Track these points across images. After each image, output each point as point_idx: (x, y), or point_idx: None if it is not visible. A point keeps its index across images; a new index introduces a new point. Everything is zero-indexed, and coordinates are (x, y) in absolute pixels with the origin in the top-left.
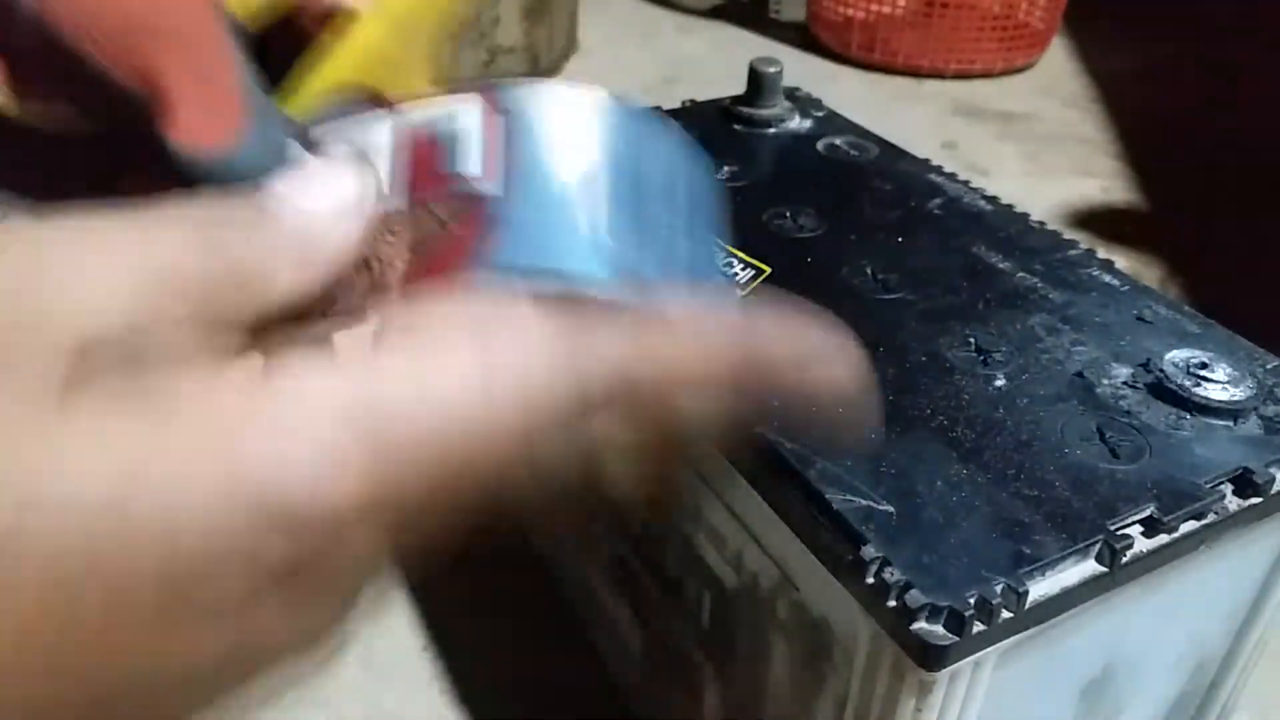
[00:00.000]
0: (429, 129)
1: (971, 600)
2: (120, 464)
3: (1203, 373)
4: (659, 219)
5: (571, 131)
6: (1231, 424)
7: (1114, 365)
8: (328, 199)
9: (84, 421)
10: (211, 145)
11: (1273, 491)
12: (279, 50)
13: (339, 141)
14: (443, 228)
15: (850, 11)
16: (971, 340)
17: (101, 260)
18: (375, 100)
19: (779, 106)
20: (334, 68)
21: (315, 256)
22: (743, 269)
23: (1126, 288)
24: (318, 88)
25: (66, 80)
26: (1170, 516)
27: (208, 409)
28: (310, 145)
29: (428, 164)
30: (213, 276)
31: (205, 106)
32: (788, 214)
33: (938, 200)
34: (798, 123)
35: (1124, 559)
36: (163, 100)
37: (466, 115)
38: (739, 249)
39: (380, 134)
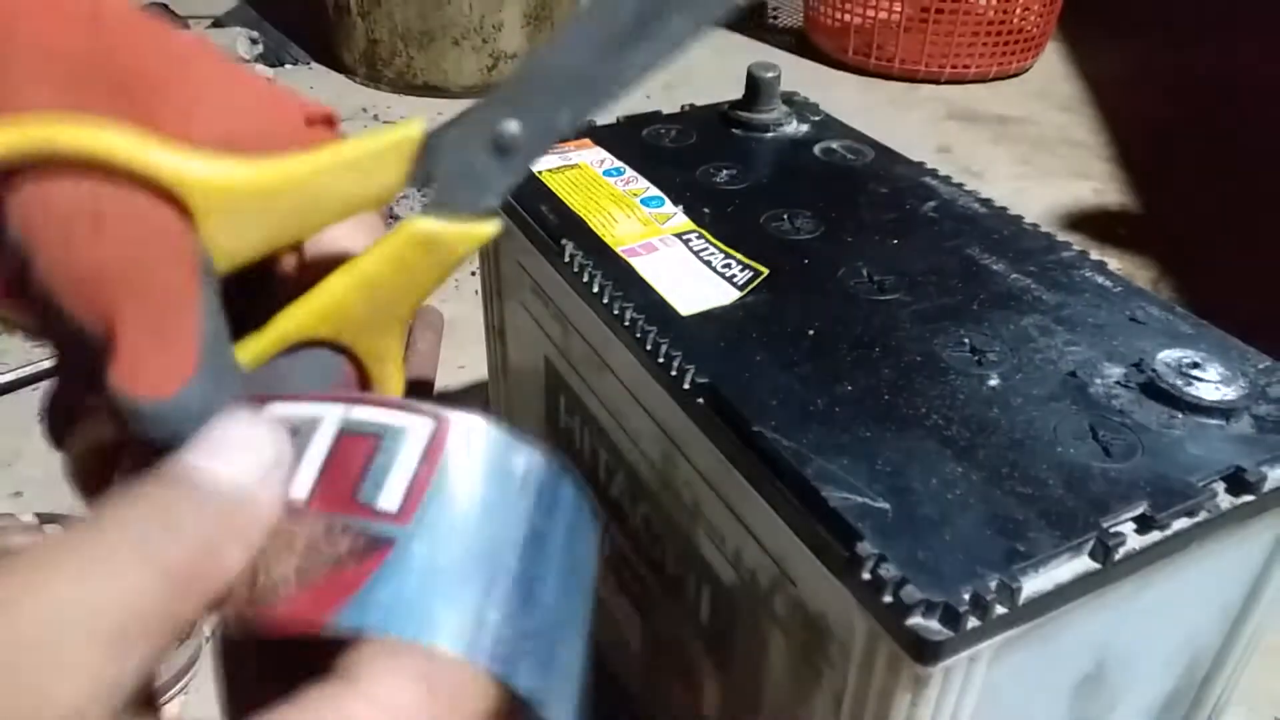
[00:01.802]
0: (370, 439)
1: (966, 596)
2: None
3: (1195, 372)
4: (550, 609)
5: (500, 493)
6: (1224, 423)
7: (1107, 365)
8: (249, 462)
9: None
10: (151, 394)
11: (1265, 490)
12: (260, 293)
13: (287, 414)
14: (337, 560)
15: (847, 17)
16: (966, 341)
17: (67, 634)
18: (341, 356)
19: (776, 111)
20: (295, 320)
21: (252, 528)
22: (741, 270)
23: (1119, 288)
24: (277, 338)
25: (36, 303)
26: (1163, 514)
27: None
28: (251, 402)
29: (348, 481)
30: (162, 597)
31: (153, 356)
32: (785, 216)
33: (933, 203)
34: (795, 127)
35: (1117, 556)
36: (114, 343)
37: (413, 434)
38: (738, 251)
39: (325, 426)
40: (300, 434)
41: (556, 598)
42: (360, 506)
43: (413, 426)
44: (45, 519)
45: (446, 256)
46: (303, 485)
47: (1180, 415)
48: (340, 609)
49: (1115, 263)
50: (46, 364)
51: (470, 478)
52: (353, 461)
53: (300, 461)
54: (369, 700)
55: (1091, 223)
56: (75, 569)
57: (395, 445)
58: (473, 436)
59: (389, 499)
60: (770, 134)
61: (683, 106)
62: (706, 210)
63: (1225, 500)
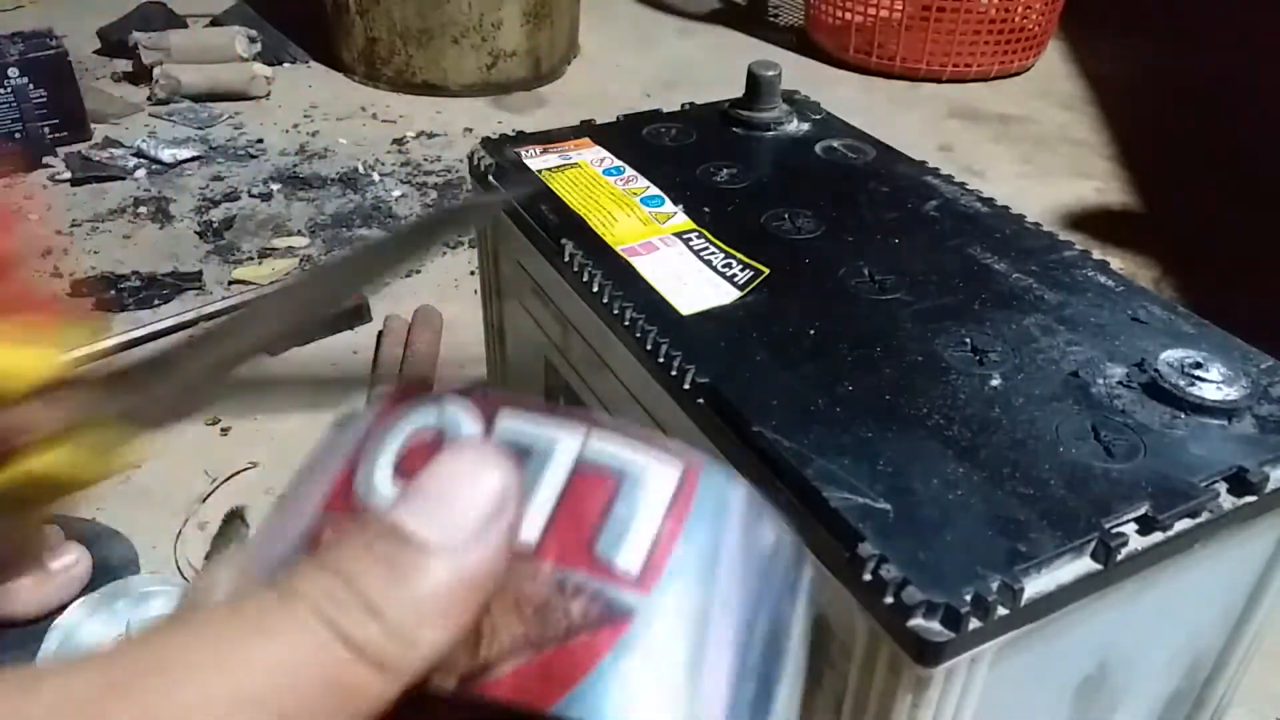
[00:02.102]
0: (610, 480)
1: (968, 597)
2: None
3: (1197, 372)
4: (779, 717)
5: (746, 570)
6: (1226, 423)
7: (1109, 365)
8: (471, 520)
9: None
10: None
11: (1267, 490)
12: None
13: (517, 431)
14: (569, 628)
15: (848, 15)
16: (968, 340)
17: (210, 695)
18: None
19: (777, 109)
20: None
21: (460, 607)
22: (742, 270)
23: (1121, 288)
24: None
25: None
26: (1165, 515)
27: None
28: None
29: (585, 529)
30: (343, 679)
31: None
32: (786, 216)
33: (934, 202)
34: (796, 125)
35: (1119, 557)
36: None
37: (658, 481)
38: (738, 250)
39: (561, 455)
40: (533, 460)
41: (786, 704)
42: (597, 563)
43: (658, 469)
44: None
45: (63, 490)
46: (533, 526)
47: (1182, 415)
48: (571, 692)
49: (1117, 262)
50: None
51: (719, 545)
52: (590, 505)
53: (533, 495)
54: None
55: (1093, 222)
56: (244, 631)
57: (636, 491)
58: (725, 492)
59: (629, 559)
60: (771, 133)
61: (683, 105)
62: (707, 209)
63: (1228, 501)
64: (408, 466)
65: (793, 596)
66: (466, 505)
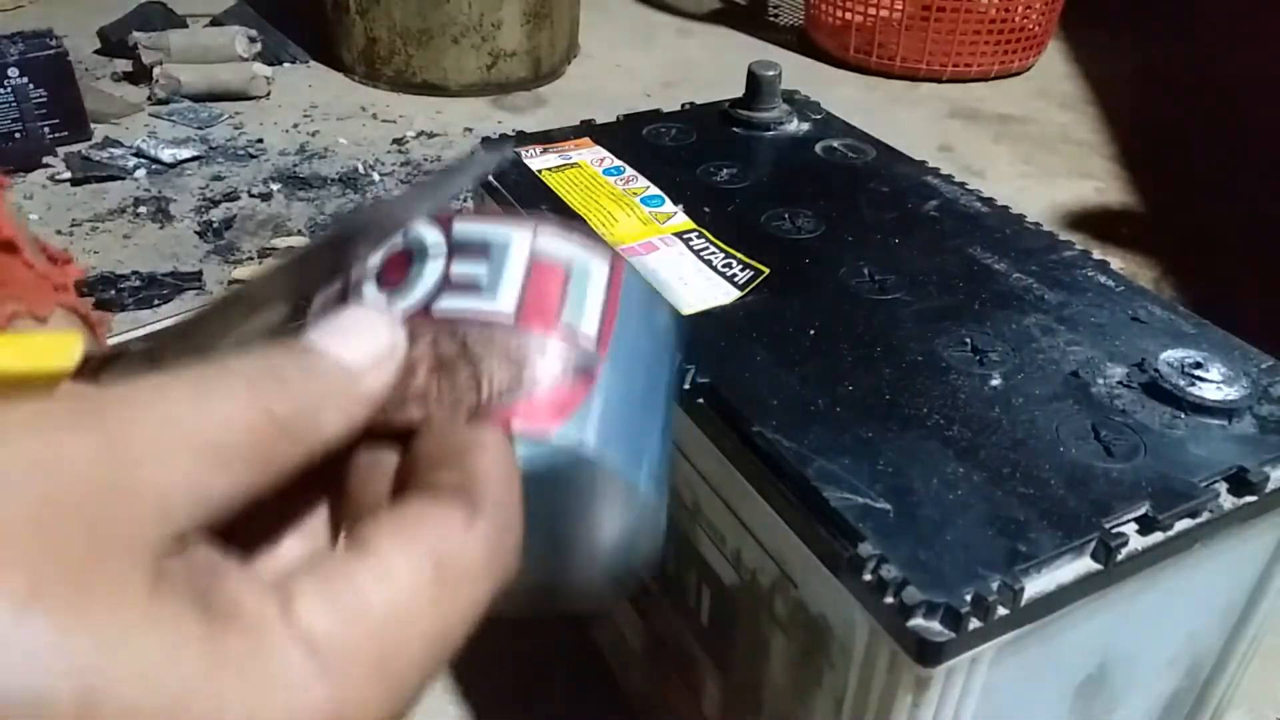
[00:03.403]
0: (561, 267)
1: (968, 597)
2: (182, 683)
3: (1197, 372)
4: (668, 444)
5: (652, 338)
6: (1226, 423)
7: (1109, 365)
8: (363, 348)
9: (166, 624)
10: None
11: (1267, 490)
12: None
13: (477, 230)
14: (555, 377)
15: (848, 15)
16: (968, 340)
17: (170, 434)
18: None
19: (778, 109)
20: None
21: (354, 403)
22: (742, 270)
23: (1121, 288)
24: None
25: None
26: (1165, 515)
27: (238, 648)
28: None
29: (551, 304)
30: (262, 432)
31: None
32: (786, 215)
33: (934, 202)
34: (796, 125)
35: (1119, 557)
36: None
37: (597, 268)
38: (738, 250)
39: (517, 250)
40: (494, 252)
41: (666, 429)
42: (566, 330)
43: (595, 260)
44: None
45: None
46: (508, 301)
47: (1182, 415)
48: (566, 421)
49: (1117, 262)
50: None
51: (638, 320)
52: (550, 286)
53: (501, 278)
54: (376, 572)
55: (1093, 222)
56: (189, 389)
57: (584, 276)
58: (636, 280)
59: (589, 327)
60: (771, 132)
61: (683, 105)
62: (707, 209)
63: (1228, 500)
64: (388, 276)
65: (671, 357)
66: (363, 342)
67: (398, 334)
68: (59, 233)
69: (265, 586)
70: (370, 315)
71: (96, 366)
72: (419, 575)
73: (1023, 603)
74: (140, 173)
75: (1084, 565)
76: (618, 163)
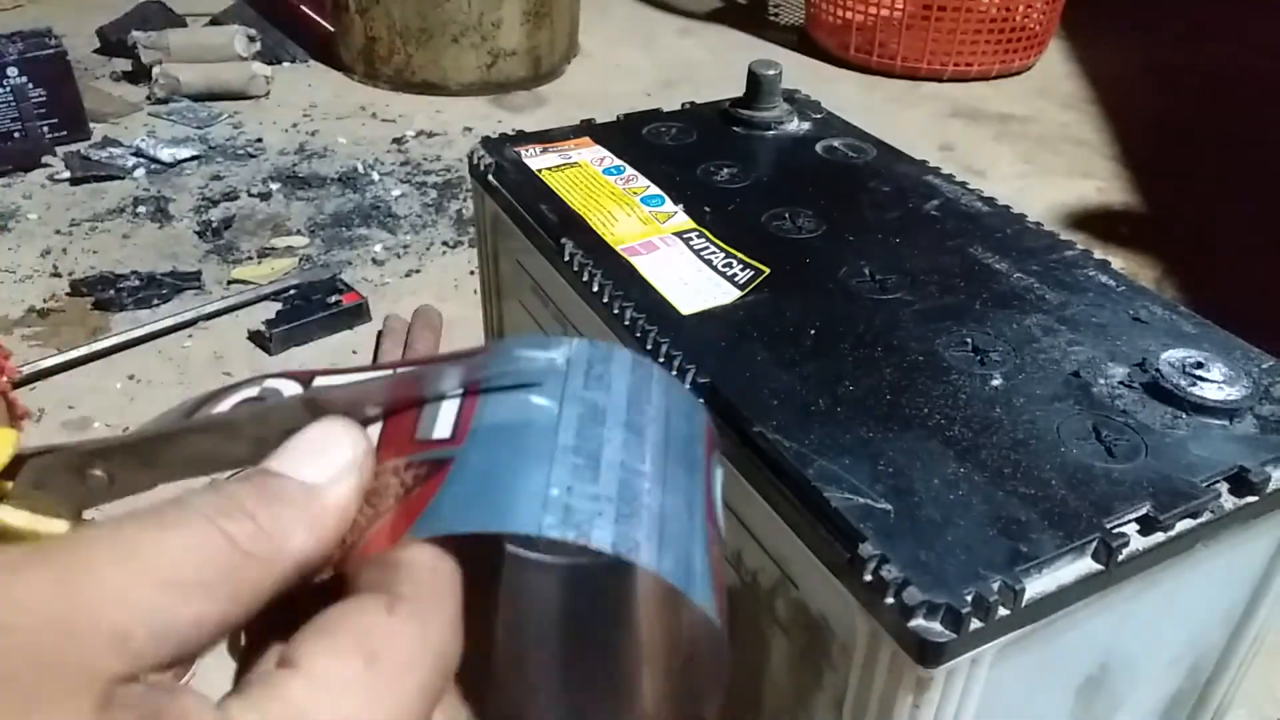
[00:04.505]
0: (415, 391)
1: (969, 597)
2: None
3: (1198, 372)
4: (632, 469)
5: (541, 385)
6: (1227, 423)
7: (1110, 365)
8: (325, 463)
9: None
10: None
11: (1268, 490)
12: None
13: (351, 395)
14: (406, 490)
15: (849, 14)
16: (969, 340)
17: (126, 569)
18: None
19: (778, 109)
20: None
21: (320, 517)
22: (742, 269)
23: (1122, 288)
24: None
25: None
26: (1166, 515)
27: None
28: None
29: (406, 428)
30: (225, 560)
31: None
32: (787, 215)
33: (935, 201)
34: (796, 125)
35: (1120, 557)
36: None
37: (449, 379)
38: (739, 250)
39: (375, 393)
40: (363, 404)
41: (628, 456)
42: (419, 443)
43: (450, 370)
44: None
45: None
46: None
47: (1184, 415)
48: (415, 525)
49: (1118, 262)
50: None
51: (508, 396)
52: (406, 416)
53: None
54: (307, 679)
55: (1095, 221)
56: (145, 525)
57: (438, 386)
58: (501, 352)
59: (442, 430)
60: (771, 132)
61: (683, 104)
62: (707, 209)
63: (1229, 501)
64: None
65: (601, 382)
66: (324, 458)
67: (359, 442)
68: (58, 232)
69: (211, 710)
70: (328, 429)
71: (14, 467)
72: (349, 672)
73: (1024, 603)
74: (139, 172)
75: (1085, 565)
76: (618, 162)
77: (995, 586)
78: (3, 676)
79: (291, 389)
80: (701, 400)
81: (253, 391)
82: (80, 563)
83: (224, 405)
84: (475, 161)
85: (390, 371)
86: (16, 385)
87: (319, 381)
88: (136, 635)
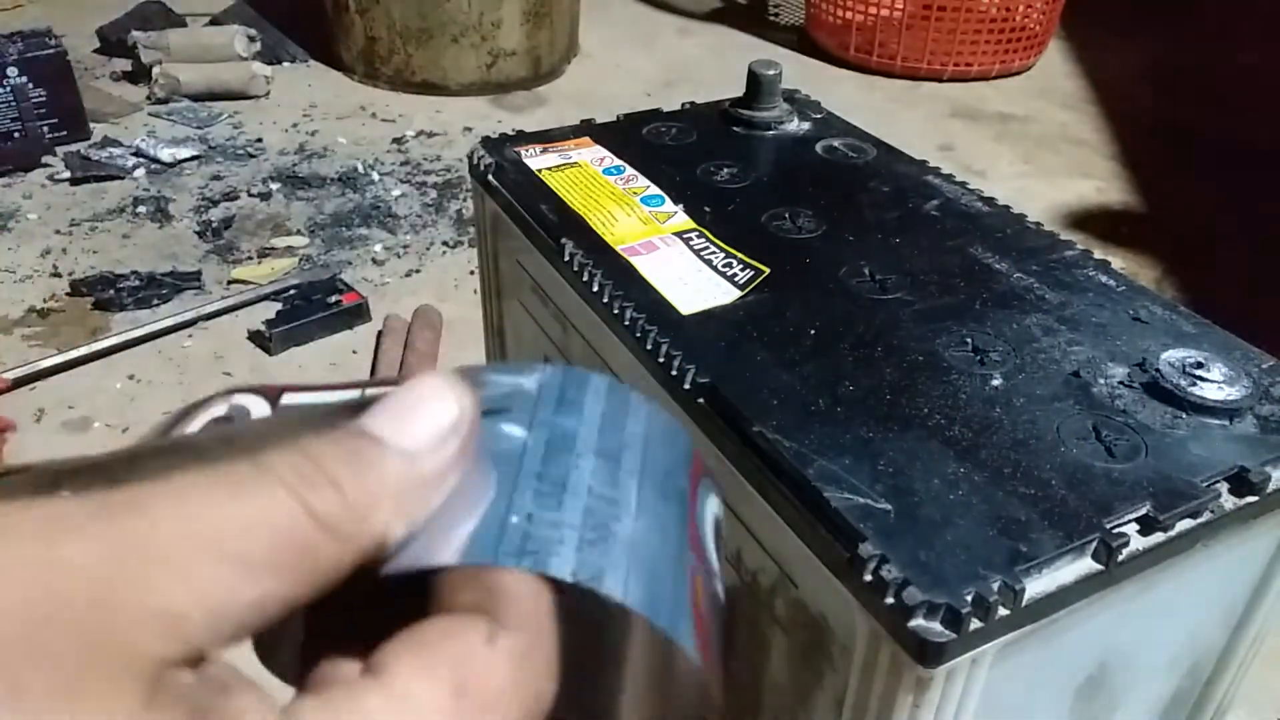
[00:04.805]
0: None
1: (968, 597)
2: None
3: (1198, 372)
4: (601, 495)
5: (509, 412)
6: (1227, 423)
7: (1110, 365)
8: (426, 430)
9: None
10: None
11: (1268, 491)
12: None
13: (305, 402)
14: None
15: (849, 14)
16: (969, 340)
17: (188, 541)
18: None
19: (778, 109)
20: None
21: (413, 499)
22: (742, 269)
23: (1122, 288)
24: None
25: None
26: (1166, 515)
27: None
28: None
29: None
30: (301, 536)
31: None
32: (787, 215)
33: (935, 201)
34: (796, 125)
35: (1120, 557)
36: None
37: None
38: (739, 250)
39: (342, 412)
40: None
41: (598, 483)
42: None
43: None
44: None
45: None
46: None
47: (1184, 415)
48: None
49: (1118, 262)
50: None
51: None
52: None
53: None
54: (388, 695)
55: (1094, 221)
56: (214, 490)
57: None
58: (472, 384)
59: None
60: (771, 132)
61: (683, 104)
62: (707, 209)
63: (1229, 501)
64: None
65: (573, 408)
66: (424, 418)
67: (465, 399)
68: (58, 232)
69: (275, 711)
70: (434, 384)
71: None
72: (436, 700)
73: (1023, 603)
74: (139, 172)
75: (1085, 565)
76: (618, 162)
77: (995, 586)
78: (44, 654)
79: (260, 407)
80: (684, 430)
81: (221, 410)
82: (138, 528)
83: (194, 425)
84: (475, 161)
85: (359, 392)
86: (16, 385)
87: (286, 399)
88: (192, 616)
